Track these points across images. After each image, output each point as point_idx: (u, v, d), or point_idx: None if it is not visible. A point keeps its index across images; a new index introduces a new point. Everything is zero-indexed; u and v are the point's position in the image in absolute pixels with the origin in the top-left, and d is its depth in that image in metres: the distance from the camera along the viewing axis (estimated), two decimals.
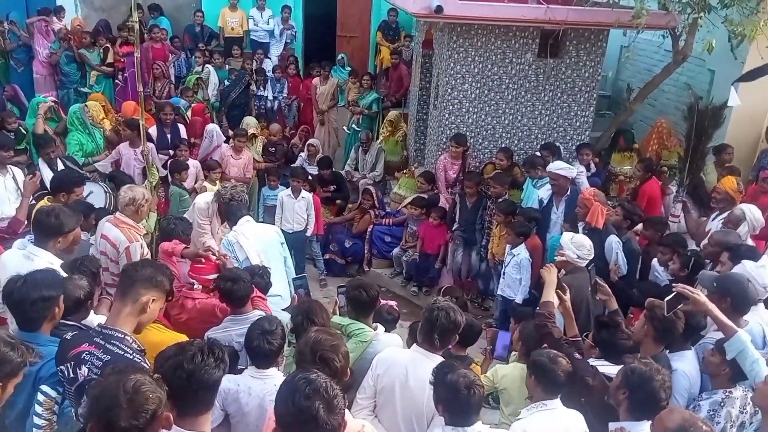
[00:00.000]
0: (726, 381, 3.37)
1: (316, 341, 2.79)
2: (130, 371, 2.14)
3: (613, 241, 5.26)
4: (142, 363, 2.69)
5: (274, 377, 3.20)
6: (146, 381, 2.09)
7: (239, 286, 3.82)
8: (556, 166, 6.13)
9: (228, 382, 3.22)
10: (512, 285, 5.95)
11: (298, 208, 7.03)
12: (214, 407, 3.10)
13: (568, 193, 6.11)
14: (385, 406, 3.28)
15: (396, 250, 7.63)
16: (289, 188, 7.11)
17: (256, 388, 3.17)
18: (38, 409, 2.74)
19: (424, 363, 3.17)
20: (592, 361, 3.58)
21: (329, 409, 2.09)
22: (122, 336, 2.69)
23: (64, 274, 3.60)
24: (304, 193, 7.07)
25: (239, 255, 4.88)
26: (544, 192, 6.32)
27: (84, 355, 2.58)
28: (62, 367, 2.61)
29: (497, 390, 3.94)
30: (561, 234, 6.10)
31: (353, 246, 7.84)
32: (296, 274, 5.63)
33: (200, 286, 4.39)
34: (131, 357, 2.67)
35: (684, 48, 7.18)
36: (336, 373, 2.70)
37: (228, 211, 5.10)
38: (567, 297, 3.86)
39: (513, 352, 4.33)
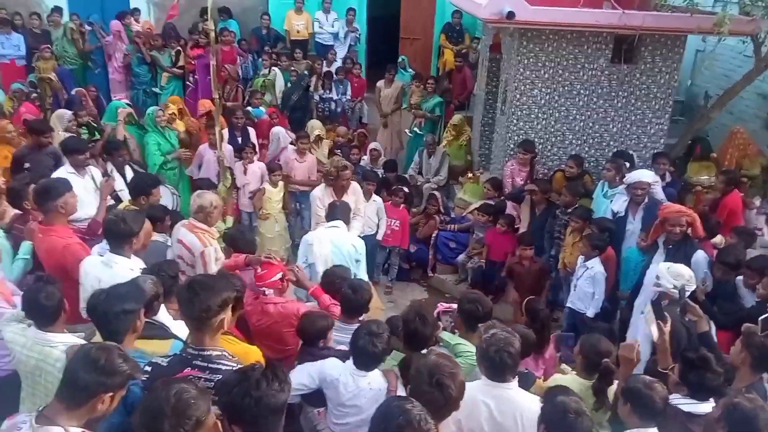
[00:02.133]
0: None
1: (435, 365, 2.73)
2: (177, 382, 2.18)
3: (700, 257, 5.05)
4: None
5: (369, 379, 3.28)
6: (190, 389, 2.12)
7: (358, 297, 3.90)
8: (642, 176, 5.96)
9: (331, 367, 3.37)
10: (584, 298, 5.80)
11: (369, 211, 6.92)
12: (311, 382, 3.31)
13: (645, 201, 5.93)
14: None
15: (461, 257, 7.57)
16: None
17: (352, 384, 3.29)
18: None
19: (502, 395, 3.09)
20: (674, 399, 3.34)
21: None
22: (220, 353, 2.76)
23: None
24: (375, 197, 6.98)
25: (309, 257, 5.06)
26: (618, 204, 6.12)
27: (189, 378, 2.63)
28: None
29: None
30: (636, 246, 5.99)
31: (417, 251, 7.80)
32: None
33: (272, 291, 4.41)
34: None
35: (767, 55, 6.86)
36: (448, 401, 2.65)
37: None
38: (667, 329, 3.69)
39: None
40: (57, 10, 10.83)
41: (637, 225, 5.95)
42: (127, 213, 4.13)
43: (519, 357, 3.18)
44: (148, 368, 2.83)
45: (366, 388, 3.25)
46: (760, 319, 3.32)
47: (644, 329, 4.15)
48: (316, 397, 3.46)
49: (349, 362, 3.35)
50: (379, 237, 7.10)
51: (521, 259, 6.61)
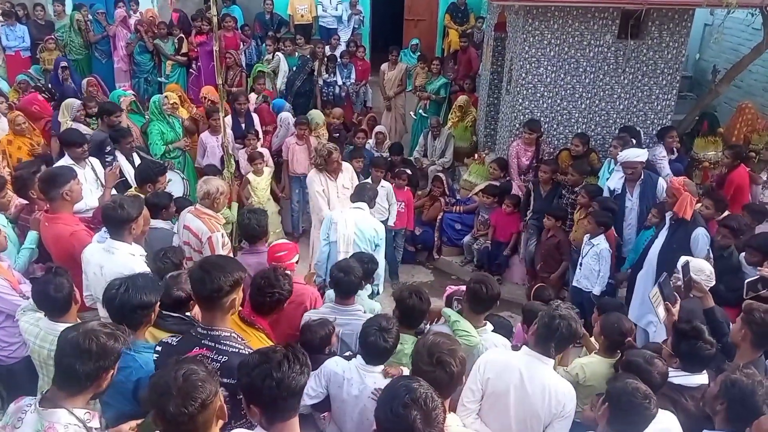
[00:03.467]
0: None
1: (434, 343, 2.75)
2: (187, 362, 2.19)
3: (701, 234, 4.99)
4: None
5: (375, 374, 3.24)
6: (199, 371, 2.13)
7: (350, 278, 3.88)
8: (633, 155, 5.93)
9: (336, 366, 3.34)
10: (590, 276, 5.79)
11: (379, 197, 6.83)
12: (318, 385, 3.27)
13: (642, 178, 5.94)
14: (493, 409, 3.20)
15: (467, 238, 7.56)
16: (369, 178, 6.99)
17: (357, 380, 3.24)
18: None
19: (538, 367, 3.10)
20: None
21: (426, 421, 2.07)
22: (229, 334, 2.79)
23: (145, 266, 3.73)
24: (384, 183, 6.92)
25: (331, 235, 5.13)
26: (614, 182, 6.13)
27: (198, 358, 2.65)
28: None
29: (579, 385, 3.83)
30: (638, 222, 5.96)
31: (423, 233, 7.80)
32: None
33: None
34: (247, 352, 2.75)
35: None
36: (452, 378, 2.67)
37: (357, 191, 5.43)
38: (675, 310, 3.67)
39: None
40: (60, 0, 10.81)
41: (635, 201, 5.97)
42: (125, 198, 4.11)
43: (573, 338, 3.17)
44: (158, 348, 2.86)
45: (371, 386, 3.21)
46: (747, 281, 3.27)
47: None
48: (322, 402, 3.43)
49: (356, 359, 3.33)
50: (390, 223, 7.08)
51: (549, 229, 6.58)
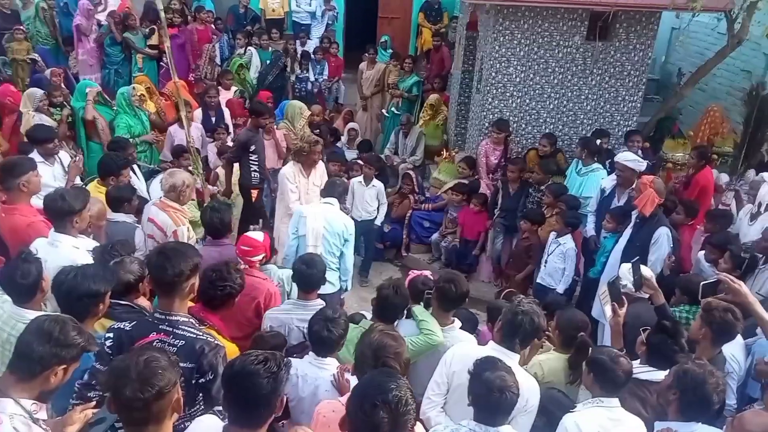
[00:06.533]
0: None
1: (380, 345, 2.75)
2: (150, 350, 2.18)
3: (663, 234, 5.08)
4: (216, 342, 2.79)
5: (331, 367, 3.22)
6: (161, 360, 2.11)
7: (312, 271, 3.84)
8: (625, 158, 5.85)
9: None
10: (554, 274, 5.86)
11: (368, 196, 6.90)
12: None
13: (633, 186, 5.81)
14: (459, 402, 3.17)
15: (435, 236, 7.59)
16: (360, 175, 6.99)
17: (312, 375, 3.23)
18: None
19: (504, 361, 3.12)
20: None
21: (394, 425, 2.06)
22: (187, 319, 2.78)
23: (90, 259, 3.64)
24: (375, 181, 6.91)
25: (300, 229, 5.10)
26: (608, 182, 6.08)
27: (155, 344, 2.64)
28: None
29: (539, 383, 3.87)
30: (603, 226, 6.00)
31: (392, 231, 7.79)
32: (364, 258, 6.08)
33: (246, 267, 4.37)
34: (204, 337, 2.75)
35: (740, 31, 6.91)
36: None
37: (328, 186, 5.39)
38: (622, 312, 3.73)
39: None
40: None
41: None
42: (68, 190, 4.05)
43: (536, 333, 3.20)
44: (109, 334, 2.81)
45: (327, 379, 3.19)
46: (702, 283, 3.35)
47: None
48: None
49: (309, 354, 3.31)
50: (378, 222, 7.09)
51: (523, 232, 6.56)
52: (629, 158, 5.85)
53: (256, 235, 4.43)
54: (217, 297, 3.46)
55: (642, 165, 5.87)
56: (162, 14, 5.67)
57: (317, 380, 3.19)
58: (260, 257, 4.26)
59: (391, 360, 2.71)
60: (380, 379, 2.18)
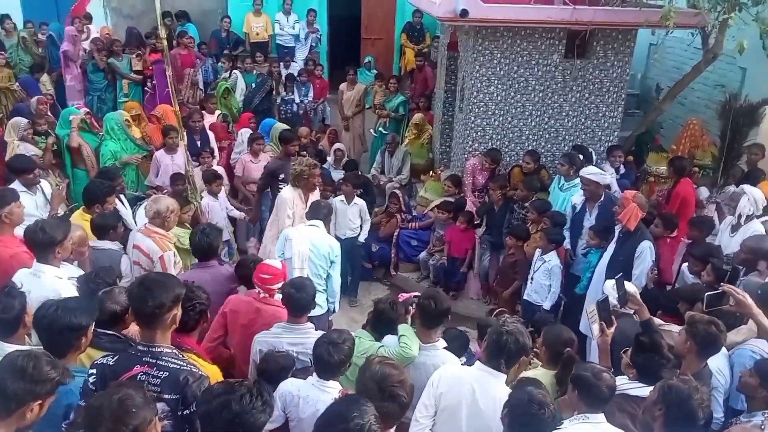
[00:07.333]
0: (763, 404, 3.26)
1: (383, 376, 2.71)
2: (126, 387, 2.15)
3: (646, 247, 5.14)
4: (200, 373, 2.77)
5: (333, 390, 3.24)
6: (136, 397, 2.09)
7: (301, 295, 3.85)
8: (588, 171, 6.00)
9: (290, 386, 3.33)
10: (540, 291, 5.90)
11: (351, 214, 6.92)
12: (275, 408, 3.20)
13: (602, 199, 5.97)
14: (446, 424, 3.24)
15: (423, 255, 7.62)
16: (342, 195, 7.00)
17: (314, 397, 3.24)
18: None
19: (490, 382, 3.18)
20: (621, 383, 3.41)
21: None
22: (170, 350, 2.77)
23: (73, 289, 3.65)
24: (357, 199, 6.96)
25: (286, 252, 5.11)
26: (578, 198, 6.19)
27: (139, 376, 2.63)
28: None
29: None
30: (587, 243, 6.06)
31: (380, 250, 7.82)
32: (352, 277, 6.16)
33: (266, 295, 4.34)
34: (188, 368, 2.74)
35: (714, 47, 7.03)
36: (404, 409, 2.67)
37: (312, 208, 5.43)
38: (610, 332, 3.75)
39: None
40: (7, 17, 10.60)
41: (592, 221, 6.00)
42: (47, 221, 4.04)
43: (521, 353, 3.22)
44: (92, 370, 2.78)
45: (328, 402, 3.10)
46: (706, 294, 3.39)
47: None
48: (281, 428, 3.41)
49: (312, 376, 3.32)
50: (362, 239, 7.12)
51: (509, 248, 6.62)
52: (592, 171, 6.00)
53: (274, 263, 4.41)
54: (191, 318, 3.47)
55: (606, 178, 6.02)
56: (164, 42, 5.71)
57: (318, 402, 3.19)
58: (279, 285, 4.23)
59: (397, 389, 2.67)
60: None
